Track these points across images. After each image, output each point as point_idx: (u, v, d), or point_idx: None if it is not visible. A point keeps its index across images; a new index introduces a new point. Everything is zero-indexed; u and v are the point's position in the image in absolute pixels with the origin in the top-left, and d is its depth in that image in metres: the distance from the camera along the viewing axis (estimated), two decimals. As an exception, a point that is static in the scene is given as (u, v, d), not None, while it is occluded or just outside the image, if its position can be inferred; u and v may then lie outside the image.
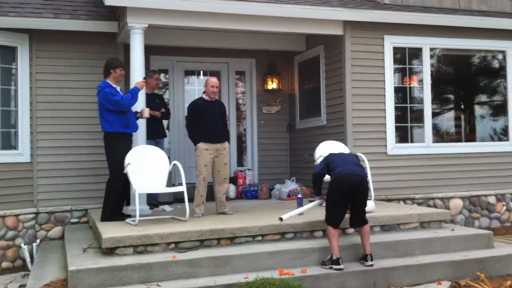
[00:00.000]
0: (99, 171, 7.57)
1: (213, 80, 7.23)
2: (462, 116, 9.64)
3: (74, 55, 7.95)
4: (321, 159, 6.35)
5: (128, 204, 7.14)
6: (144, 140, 7.22)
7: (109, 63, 6.84)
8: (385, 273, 5.66)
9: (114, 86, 6.77)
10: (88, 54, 7.99)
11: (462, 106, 9.82)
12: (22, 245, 7.35)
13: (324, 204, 6.00)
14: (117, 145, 6.68)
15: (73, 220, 7.82)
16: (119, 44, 8.12)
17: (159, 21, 7.40)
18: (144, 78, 6.98)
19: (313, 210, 6.38)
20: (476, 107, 9.67)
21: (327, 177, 6.04)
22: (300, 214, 6.33)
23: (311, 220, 6.20)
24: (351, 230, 6.22)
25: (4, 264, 7.33)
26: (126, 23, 7.22)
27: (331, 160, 5.98)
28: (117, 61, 6.99)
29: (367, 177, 5.97)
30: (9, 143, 7.66)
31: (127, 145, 6.72)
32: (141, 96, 7.15)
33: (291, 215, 6.08)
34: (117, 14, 7.90)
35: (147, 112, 6.97)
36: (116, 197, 6.76)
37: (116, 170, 6.65)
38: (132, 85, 7.01)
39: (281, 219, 5.92)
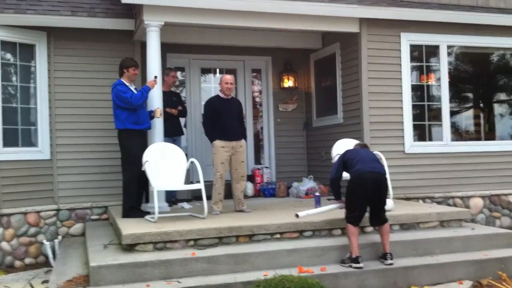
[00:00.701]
0: (118, 168, 7.56)
1: (228, 77, 7.23)
2: (481, 115, 9.55)
3: (91, 52, 7.99)
4: (337, 157, 6.32)
5: (147, 201, 7.17)
6: (162, 138, 7.23)
7: (122, 63, 6.99)
8: (405, 272, 5.63)
9: (127, 84, 6.85)
10: (105, 52, 8.03)
11: (481, 104, 9.73)
12: (44, 241, 7.42)
13: (343, 208, 5.96)
14: (127, 142, 6.79)
15: (93, 217, 7.87)
16: (135, 41, 8.14)
17: (176, 18, 7.41)
18: (155, 77, 7.00)
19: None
20: (495, 106, 9.58)
21: (346, 175, 6.01)
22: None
23: (329, 218, 6.17)
24: (370, 229, 6.18)
25: (27, 260, 7.40)
26: (142, 21, 7.24)
27: (348, 158, 5.94)
28: (130, 61, 7.04)
29: (386, 174, 5.92)
30: (29, 140, 7.72)
31: (139, 142, 6.77)
32: (158, 94, 7.20)
33: (309, 214, 6.07)
34: (134, 11, 7.92)
35: (159, 112, 7.03)
36: (133, 193, 6.80)
37: (128, 166, 6.76)
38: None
39: (297, 215, 5.92)
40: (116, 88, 6.79)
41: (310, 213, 6.09)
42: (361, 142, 6.59)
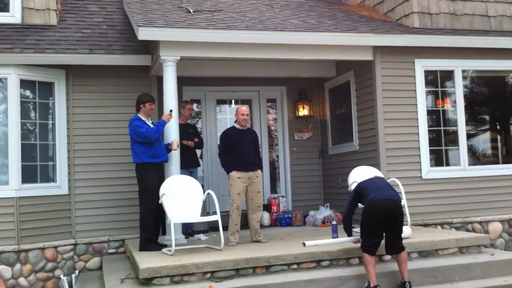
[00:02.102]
0: (135, 201, 7.63)
1: (243, 108, 7.30)
2: (498, 137, 9.46)
3: (109, 88, 8.16)
4: (354, 185, 6.32)
5: (164, 233, 7.21)
6: (178, 170, 7.31)
7: (139, 99, 7.14)
8: (425, 300, 5.58)
9: (144, 119, 6.98)
10: (123, 87, 8.20)
11: (498, 127, 9.65)
12: (61, 276, 7.45)
13: (357, 242, 5.94)
14: (144, 175, 6.89)
15: (110, 251, 7.93)
16: (152, 76, 8.29)
17: (191, 53, 7.54)
18: (171, 110, 7.09)
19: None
20: (512, 128, 9.51)
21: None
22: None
23: (346, 247, 6.15)
24: (388, 257, 6.13)
25: (44, 296, 7.46)
26: (159, 56, 7.38)
27: (362, 188, 5.94)
28: (146, 96, 7.18)
29: (401, 201, 5.90)
30: (47, 176, 7.85)
31: (155, 175, 6.84)
32: (175, 126, 7.30)
33: (317, 244, 6.02)
34: (150, 47, 8.08)
35: (175, 144, 7.11)
36: (149, 226, 6.86)
37: (144, 199, 6.87)
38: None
39: (304, 244, 5.88)
40: (132, 124, 6.93)
41: (319, 243, 6.04)
42: (377, 175, 6.57)
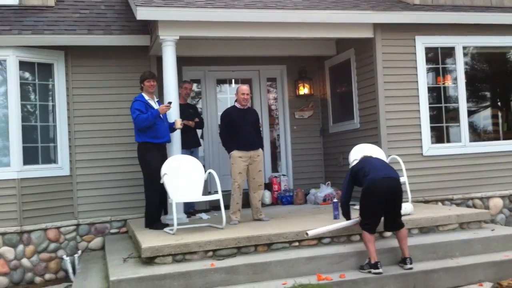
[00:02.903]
0: (137, 181, 7.73)
1: (244, 87, 7.28)
2: (499, 114, 9.44)
3: (108, 69, 8.13)
4: (355, 162, 6.32)
5: (166, 213, 7.25)
6: (179, 150, 7.30)
7: (140, 77, 7.13)
8: (425, 276, 5.62)
9: (147, 99, 6.95)
10: (122, 68, 8.17)
11: (499, 104, 9.63)
12: (64, 256, 7.53)
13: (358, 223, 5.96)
14: (147, 155, 6.91)
15: (112, 231, 7.97)
16: (151, 56, 8.26)
17: (190, 32, 7.50)
18: (169, 102, 6.97)
19: (351, 214, 6.31)
20: (513, 104, 9.49)
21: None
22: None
23: (349, 225, 6.16)
24: (389, 234, 6.16)
25: (47, 276, 7.51)
26: (158, 36, 7.34)
27: (358, 169, 5.92)
28: (145, 74, 7.15)
29: (399, 179, 5.89)
30: (49, 157, 7.88)
31: (157, 155, 6.84)
32: (175, 107, 7.27)
33: (319, 232, 5.97)
34: (149, 27, 8.04)
35: (179, 123, 7.10)
36: (154, 205, 6.90)
37: (148, 179, 6.88)
38: (165, 96, 7.20)
39: (307, 234, 5.84)
40: (132, 104, 6.94)
41: (321, 231, 5.98)
42: (368, 154, 6.50)
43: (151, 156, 6.87)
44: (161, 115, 6.94)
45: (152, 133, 6.88)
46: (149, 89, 7.05)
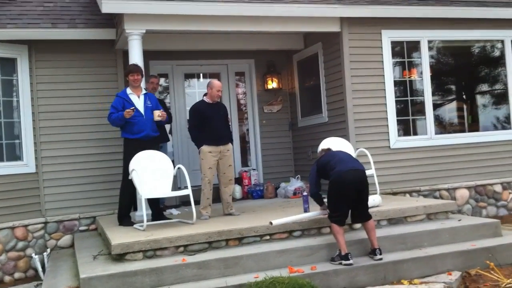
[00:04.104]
0: (106, 178, 7.64)
1: (219, 83, 7.20)
2: (464, 107, 9.64)
3: (73, 63, 7.98)
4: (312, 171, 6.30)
5: (135, 209, 7.17)
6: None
7: (124, 71, 7.08)
8: (395, 266, 5.68)
9: (129, 93, 6.90)
10: (88, 62, 8.03)
11: (464, 97, 9.83)
12: (33, 255, 7.38)
13: (325, 215, 6.00)
14: (124, 151, 6.90)
15: (82, 228, 7.85)
16: (118, 50, 8.15)
17: (157, 26, 7.42)
18: (132, 109, 6.73)
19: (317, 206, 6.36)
20: (478, 97, 9.68)
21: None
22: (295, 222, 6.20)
23: (318, 217, 6.20)
24: (358, 225, 6.21)
25: (17, 275, 7.37)
26: (123, 30, 7.25)
27: (324, 162, 5.94)
28: (129, 67, 7.02)
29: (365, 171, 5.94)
30: (14, 154, 7.69)
31: (133, 151, 6.72)
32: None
33: (283, 222, 5.99)
34: (115, 21, 7.92)
35: (156, 114, 6.91)
36: (124, 201, 6.85)
37: (123, 174, 6.80)
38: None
39: (271, 223, 5.86)
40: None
41: (287, 221, 6.01)
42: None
43: (126, 151, 6.82)
44: (140, 110, 6.83)
45: (128, 128, 6.81)
46: (133, 83, 6.92)
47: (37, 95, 7.80)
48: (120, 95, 6.92)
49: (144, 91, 7.03)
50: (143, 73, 7.11)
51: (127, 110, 6.70)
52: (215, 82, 7.24)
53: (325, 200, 6.09)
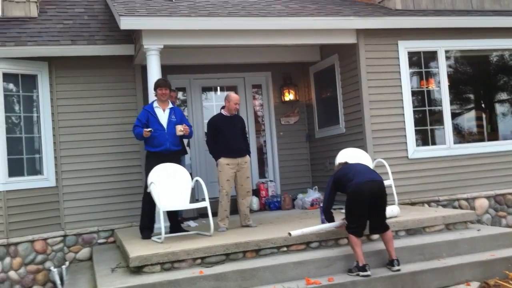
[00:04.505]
0: (124, 191, 7.73)
1: (236, 96, 7.26)
2: (483, 115, 9.55)
3: (93, 79, 8.11)
4: (330, 184, 6.29)
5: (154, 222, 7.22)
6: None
7: (153, 85, 7.12)
8: (413, 277, 5.64)
9: (155, 107, 6.99)
10: (107, 78, 8.17)
11: (483, 105, 9.74)
12: (52, 268, 7.47)
13: (342, 226, 5.98)
14: (146, 163, 6.99)
15: (100, 241, 7.92)
16: (136, 66, 8.27)
17: (174, 41, 7.53)
18: (149, 130, 6.82)
19: (336, 217, 6.34)
20: (497, 106, 9.58)
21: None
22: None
23: (335, 228, 6.18)
24: (376, 236, 6.17)
25: (35, 288, 7.46)
26: (142, 45, 7.35)
27: (342, 175, 5.93)
28: (158, 81, 7.09)
29: (383, 182, 5.92)
30: (34, 168, 7.82)
31: (153, 164, 6.78)
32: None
33: (303, 232, 5.98)
34: (133, 37, 8.05)
35: (178, 129, 6.92)
36: (144, 214, 6.92)
37: (145, 186, 6.89)
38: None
39: (290, 234, 5.83)
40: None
41: (305, 232, 5.99)
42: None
43: (147, 164, 6.90)
44: (162, 123, 6.91)
45: (150, 141, 6.91)
46: (161, 97, 7.01)
47: (57, 110, 7.94)
48: (146, 108, 7.04)
49: (171, 105, 7.11)
50: (171, 87, 7.18)
51: (145, 130, 6.80)
52: (233, 95, 7.28)
53: (343, 211, 6.10)
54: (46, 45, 7.74)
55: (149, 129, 6.80)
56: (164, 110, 7.00)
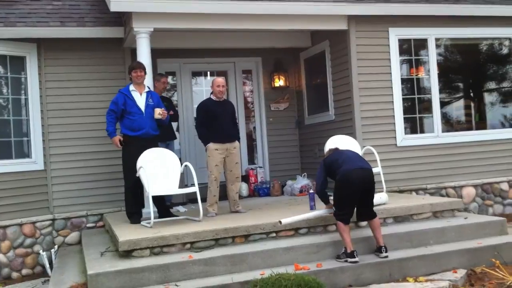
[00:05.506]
0: (113, 175, 7.68)
1: (219, 80, 7.27)
2: (472, 104, 9.62)
3: (82, 61, 8.03)
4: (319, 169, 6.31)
5: (143, 206, 7.20)
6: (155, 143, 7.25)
7: (128, 68, 7.06)
8: (400, 264, 5.69)
9: (131, 90, 6.89)
10: (96, 60, 8.08)
11: (471, 94, 9.80)
12: (41, 251, 7.44)
13: (331, 213, 6.00)
14: (124, 147, 6.88)
15: (89, 225, 7.90)
16: (126, 48, 8.19)
17: (165, 24, 7.46)
18: (121, 142, 6.86)
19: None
20: (485, 95, 9.65)
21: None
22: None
23: (324, 215, 6.22)
24: (364, 223, 6.21)
25: (24, 271, 7.43)
26: (132, 28, 7.29)
27: (332, 161, 5.95)
28: (133, 64, 7.07)
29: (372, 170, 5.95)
30: (22, 151, 7.77)
31: (133, 148, 6.69)
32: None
33: (294, 220, 6.00)
34: (123, 19, 7.97)
35: (157, 112, 6.88)
36: (129, 199, 6.86)
37: (124, 171, 6.87)
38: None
39: (280, 222, 5.85)
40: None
41: (295, 220, 6.02)
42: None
43: (127, 149, 6.82)
44: (140, 107, 6.83)
45: (128, 124, 6.81)
46: (137, 80, 6.91)
47: (45, 93, 7.85)
48: (122, 91, 6.90)
49: (147, 89, 7.03)
50: (146, 70, 7.09)
51: (117, 143, 6.79)
52: (217, 78, 7.31)
53: (331, 198, 6.12)
54: (35, 26, 7.65)
55: (122, 140, 6.80)
56: (141, 94, 6.92)
